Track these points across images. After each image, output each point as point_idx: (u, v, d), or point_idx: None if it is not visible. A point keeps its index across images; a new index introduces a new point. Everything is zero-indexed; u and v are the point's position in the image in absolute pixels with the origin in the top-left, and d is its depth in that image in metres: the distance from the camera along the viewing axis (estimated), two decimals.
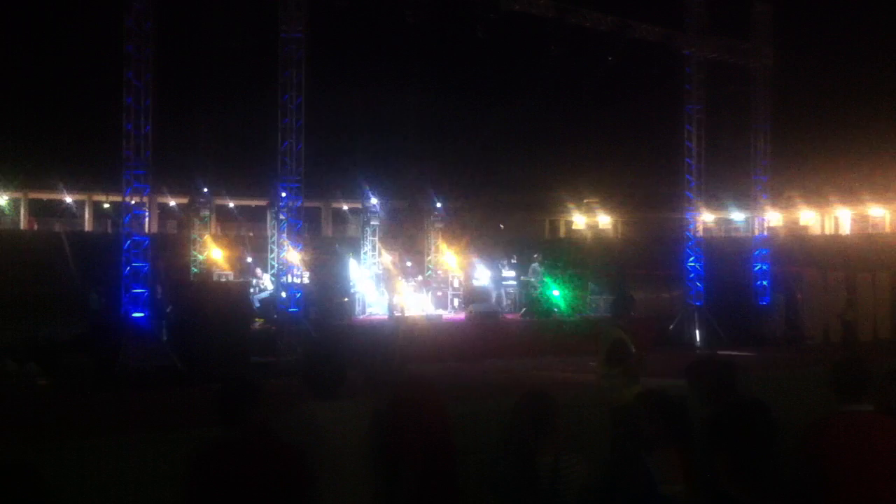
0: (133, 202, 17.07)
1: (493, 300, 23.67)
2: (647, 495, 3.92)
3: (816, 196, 45.98)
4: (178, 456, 5.10)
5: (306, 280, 20.48)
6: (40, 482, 3.04)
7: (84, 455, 5.88)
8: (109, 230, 41.23)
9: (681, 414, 4.24)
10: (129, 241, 16.89)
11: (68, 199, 46.07)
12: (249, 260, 26.35)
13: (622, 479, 4.06)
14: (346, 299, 21.87)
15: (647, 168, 40.00)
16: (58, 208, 46.37)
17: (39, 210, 46.14)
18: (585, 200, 51.55)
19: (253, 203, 44.75)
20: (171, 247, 27.05)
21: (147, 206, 17.60)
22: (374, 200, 26.05)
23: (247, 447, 3.89)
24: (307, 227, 20.77)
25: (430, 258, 26.44)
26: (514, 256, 24.84)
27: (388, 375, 4.95)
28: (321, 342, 17.37)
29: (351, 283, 22.69)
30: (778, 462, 3.79)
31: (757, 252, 25.69)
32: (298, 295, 19.17)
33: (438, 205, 27.66)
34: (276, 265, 21.02)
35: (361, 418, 4.42)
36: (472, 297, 24.29)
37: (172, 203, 41.90)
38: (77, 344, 17.13)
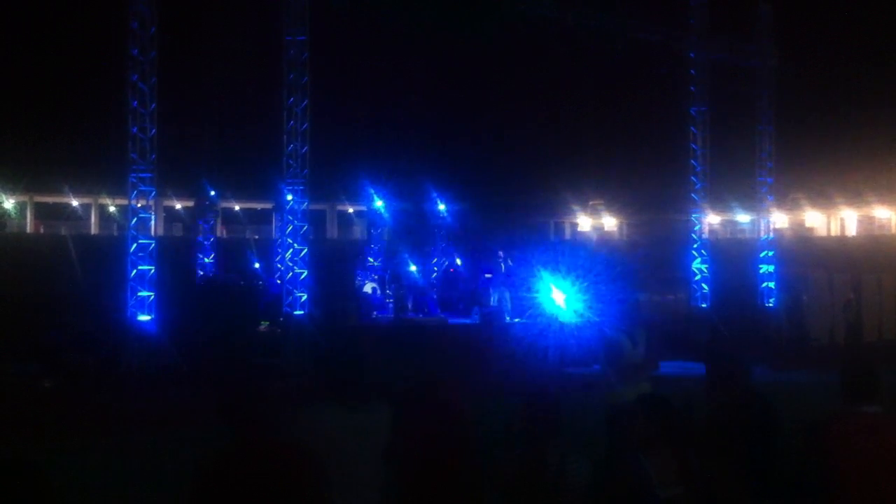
0: (139, 205, 17.14)
1: (498, 301, 23.58)
2: (644, 497, 3.92)
3: (822, 198, 45.85)
4: (181, 456, 5.11)
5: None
6: (44, 481, 3.04)
7: (88, 455, 5.90)
8: (115, 233, 41.25)
9: (679, 416, 4.24)
10: (134, 244, 16.97)
11: (74, 203, 46.15)
12: (257, 266, 26.45)
13: (619, 480, 4.06)
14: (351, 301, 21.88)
15: (651, 170, 39.94)
16: (64, 211, 46.42)
17: (45, 213, 46.20)
18: (590, 203, 51.48)
19: (258, 206, 44.77)
20: (176, 249, 27.14)
21: (153, 209, 17.66)
22: (379, 203, 26.07)
23: (253, 449, 3.88)
24: (312, 230, 20.78)
25: (434, 260, 26.43)
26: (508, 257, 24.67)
27: None
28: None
29: (357, 285, 22.73)
30: (781, 461, 3.78)
31: (762, 254, 25.66)
32: (304, 298, 19.20)
33: (443, 207, 27.66)
34: (282, 267, 21.07)
35: (371, 420, 4.42)
36: (477, 299, 24.23)
37: (178, 206, 42.00)
38: (81, 345, 17.18)
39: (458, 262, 25.83)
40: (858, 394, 4.41)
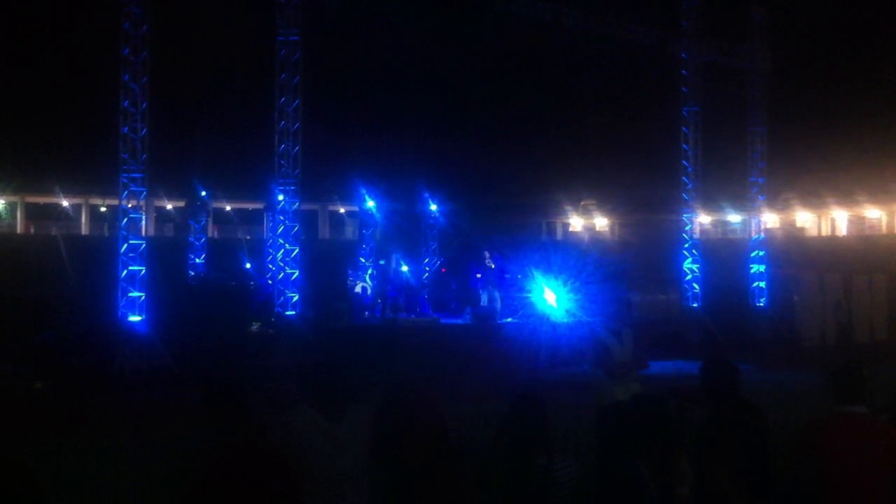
0: (130, 205, 17.09)
1: (488, 301, 23.57)
2: (638, 499, 3.92)
3: (813, 198, 45.96)
4: (173, 459, 5.10)
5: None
6: (34, 483, 3.03)
7: (80, 458, 5.88)
8: (106, 234, 41.11)
9: (672, 418, 4.25)
10: (125, 245, 16.92)
11: (65, 203, 45.97)
12: (248, 266, 26.39)
13: (613, 482, 4.06)
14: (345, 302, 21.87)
15: (643, 170, 39.99)
16: (54, 212, 46.24)
17: (36, 214, 46.02)
18: (582, 203, 51.47)
19: (250, 206, 44.67)
20: (168, 250, 27.10)
21: (143, 209, 17.60)
22: (371, 203, 26.05)
23: (239, 452, 3.88)
24: (304, 230, 20.76)
25: (426, 260, 26.42)
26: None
27: None
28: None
29: (349, 286, 22.71)
30: (772, 463, 3.79)
31: (753, 254, 25.73)
32: (295, 298, 19.17)
33: (434, 207, 27.65)
34: (274, 268, 21.03)
35: (359, 421, 4.42)
36: (468, 299, 24.23)
37: (169, 206, 41.88)
38: (72, 346, 17.11)
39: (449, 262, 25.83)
40: (847, 395, 4.43)
